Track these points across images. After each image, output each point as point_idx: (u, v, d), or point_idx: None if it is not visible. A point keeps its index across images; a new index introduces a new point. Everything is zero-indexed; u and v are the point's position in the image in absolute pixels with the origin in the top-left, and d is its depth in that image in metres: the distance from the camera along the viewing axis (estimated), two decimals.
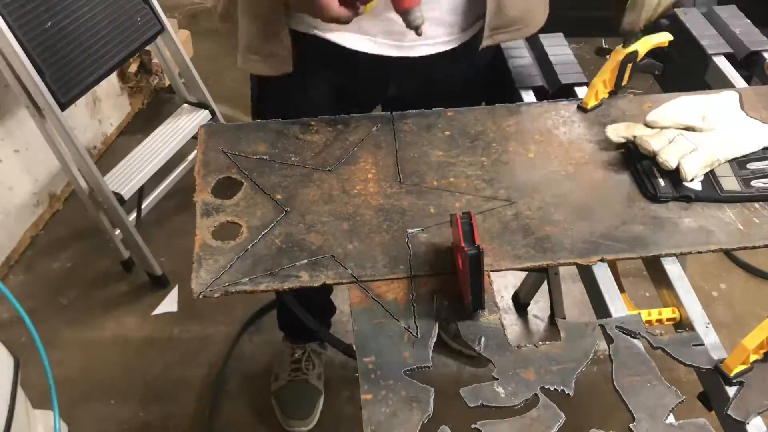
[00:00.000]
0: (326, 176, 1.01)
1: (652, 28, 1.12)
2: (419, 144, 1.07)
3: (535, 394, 0.77)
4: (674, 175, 0.97)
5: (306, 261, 0.89)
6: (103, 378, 1.79)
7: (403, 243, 0.92)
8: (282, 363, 1.74)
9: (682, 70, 1.34)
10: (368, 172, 1.03)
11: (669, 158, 0.96)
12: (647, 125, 1.05)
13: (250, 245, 0.91)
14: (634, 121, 1.06)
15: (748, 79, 1.24)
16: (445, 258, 0.90)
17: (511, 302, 1.99)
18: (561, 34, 1.31)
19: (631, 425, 0.74)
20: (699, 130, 1.02)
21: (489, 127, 1.10)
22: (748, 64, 1.26)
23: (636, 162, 1.00)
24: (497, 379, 0.78)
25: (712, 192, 0.96)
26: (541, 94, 1.22)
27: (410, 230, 0.93)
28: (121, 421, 1.72)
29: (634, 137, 1.01)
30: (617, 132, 1.04)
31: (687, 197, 0.96)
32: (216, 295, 0.86)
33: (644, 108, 1.10)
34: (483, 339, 0.82)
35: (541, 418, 0.75)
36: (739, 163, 1.00)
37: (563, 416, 0.75)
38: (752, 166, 1.00)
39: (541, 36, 1.30)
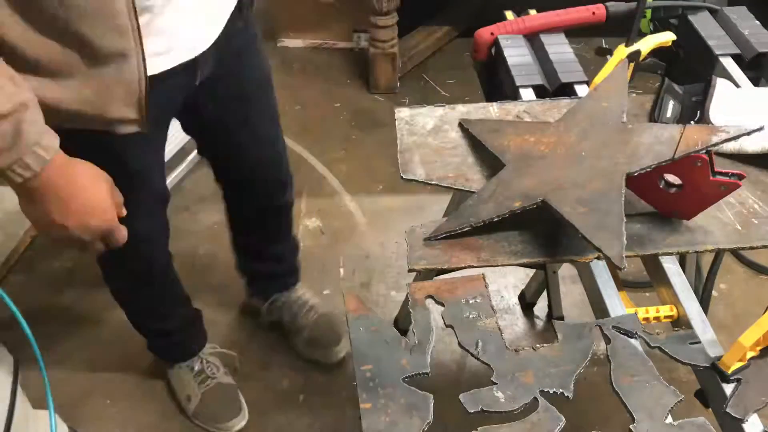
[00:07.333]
0: None
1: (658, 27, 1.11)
2: (418, 136, 1.07)
3: (535, 398, 0.76)
4: None
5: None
6: (104, 378, 1.79)
7: None
8: (187, 384, 1.72)
9: (689, 70, 1.32)
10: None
11: None
12: None
13: None
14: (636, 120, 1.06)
15: (755, 81, 1.22)
16: (438, 253, 0.89)
17: (511, 302, 1.99)
18: (562, 33, 1.31)
19: (631, 426, 0.74)
20: None
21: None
22: (755, 65, 1.24)
23: None
24: (496, 384, 0.78)
25: None
26: (542, 93, 1.21)
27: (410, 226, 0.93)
28: (122, 421, 1.72)
29: None
30: None
31: None
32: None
33: (645, 107, 1.09)
34: (480, 343, 0.82)
35: (541, 422, 0.74)
36: None
37: (563, 419, 0.75)
38: None
39: (541, 35, 1.30)
